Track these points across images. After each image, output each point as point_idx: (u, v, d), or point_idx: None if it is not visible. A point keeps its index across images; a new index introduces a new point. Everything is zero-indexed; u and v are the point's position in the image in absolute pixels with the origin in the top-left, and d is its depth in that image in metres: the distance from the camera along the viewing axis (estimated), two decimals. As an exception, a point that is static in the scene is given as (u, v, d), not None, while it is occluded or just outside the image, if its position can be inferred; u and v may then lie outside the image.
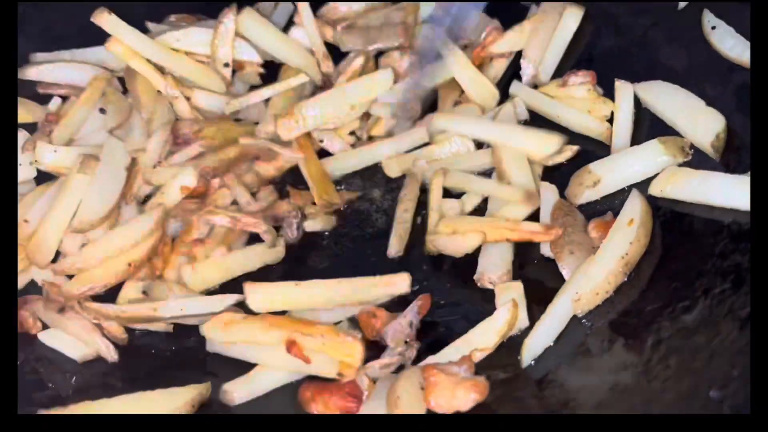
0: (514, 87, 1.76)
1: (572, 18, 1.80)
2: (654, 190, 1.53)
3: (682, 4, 1.76)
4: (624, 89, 1.64)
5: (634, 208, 1.48)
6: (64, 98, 1.88)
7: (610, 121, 1.66)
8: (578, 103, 1.69)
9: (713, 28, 1.67)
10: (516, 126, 1.68)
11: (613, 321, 1.39)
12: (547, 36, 1.79)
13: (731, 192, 1.41)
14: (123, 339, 1.56)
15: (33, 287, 1.65)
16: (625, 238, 1.44)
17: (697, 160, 1.54)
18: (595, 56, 1.81)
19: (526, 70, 1.79)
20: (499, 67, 1.84)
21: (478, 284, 1.52)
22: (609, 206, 1.56)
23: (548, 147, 1.61)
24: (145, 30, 1.89)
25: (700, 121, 1.55)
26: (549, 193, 1.59)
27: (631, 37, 1.80)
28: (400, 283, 1.50)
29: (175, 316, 1.52)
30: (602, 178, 1.56)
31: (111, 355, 1.54)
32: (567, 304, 1.41)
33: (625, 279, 1.42)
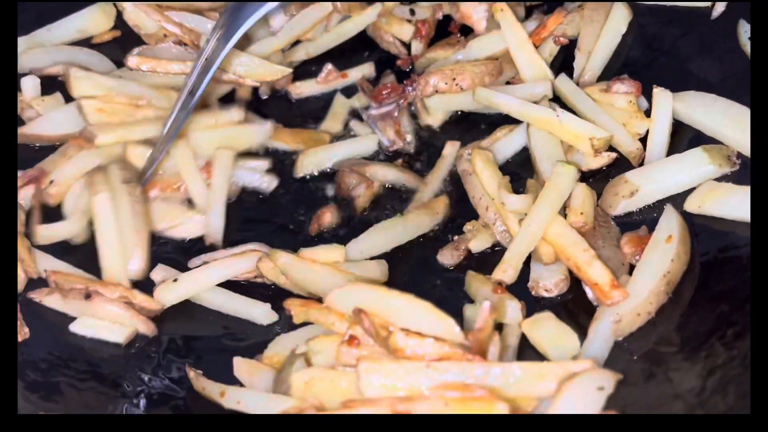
0: (560, 81, 1.67)
1: (621, 18, 1.74)
2: (691, 206, 1.45)
3: (715, 14, 1.71)
4: (662, 97, 1.56)
5: (671, 223, 1.41)
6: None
7: (643, 141, 1.57)
8: (616, 113, 1.60)
9: (750, 39, 1.61)
10: (560, 110, 1.59)
11: (656, 345, 1.30)
12: (598, 30, 1.73)
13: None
14: (158, 310, 1.51)
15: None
16: (665, 255, 1.36)
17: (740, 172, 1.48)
18: (622, 66, 1.73)
19: (579, 62, 1.72)
20: (553, 48, 1.77)
21: (532, 293, 1.44)
22: (642, 219, 1.49)
23: (596, 132, 1.52)
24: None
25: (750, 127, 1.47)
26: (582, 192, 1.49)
27: (660, 46, 1.74)
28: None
29: (232, 407, 1.36)
30: (640, 188, 1.48)
31: (151, 329, 1.51)
32: (607, 327, 1.32)
33: (666, 299, 1.34)
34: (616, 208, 1.50)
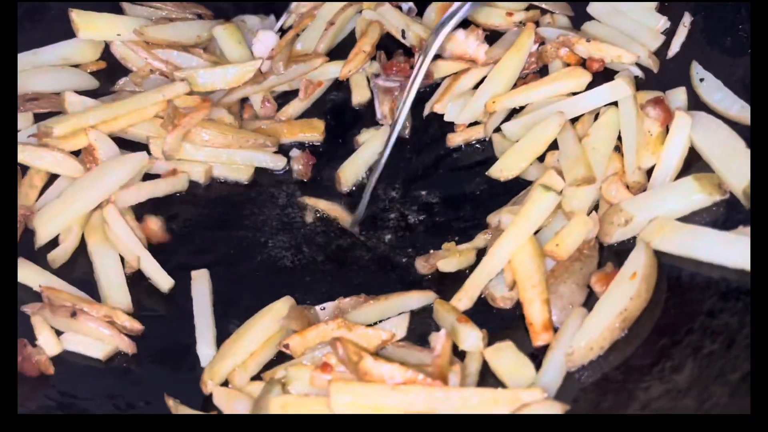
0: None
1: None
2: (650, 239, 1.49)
3: (671, 53, 1.79)
4: (682, 120, 1.56)
5: (638, 261, 1.44)
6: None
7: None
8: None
9: (701, 80, 1.69)
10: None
11: (604, 376, 1.37)
12: None
13: (720, 248, 1.39)
14: (138, 330, 1.61)
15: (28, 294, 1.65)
16: (625, 293, 1.41)
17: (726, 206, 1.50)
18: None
19: None
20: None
21: (489, 302, 1.53)
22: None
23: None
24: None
25: (735, 165, 1.48)
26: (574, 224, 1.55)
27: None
28: None
29: None
30: (635, 216, 1.51)
31: (130, 347, 1.59)
32: (560, 358, 1.40)
33: (622, 335, 1.41)
34: (612, 236, 1.54)
